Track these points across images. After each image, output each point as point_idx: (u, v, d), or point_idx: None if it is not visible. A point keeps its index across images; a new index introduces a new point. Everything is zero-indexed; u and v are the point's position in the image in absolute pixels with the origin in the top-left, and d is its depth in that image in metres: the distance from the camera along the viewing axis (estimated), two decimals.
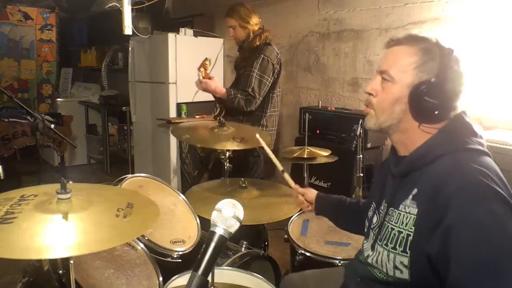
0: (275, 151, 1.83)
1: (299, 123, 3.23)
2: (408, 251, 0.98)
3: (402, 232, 1.01)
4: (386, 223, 1.08)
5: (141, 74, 4.29)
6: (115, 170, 5.08)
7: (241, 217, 0.90)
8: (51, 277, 1.21)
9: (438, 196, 0.93)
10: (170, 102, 3.95)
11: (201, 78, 2.44)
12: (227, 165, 2.17)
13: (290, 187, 1.65)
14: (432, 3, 2.73)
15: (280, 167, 1.65)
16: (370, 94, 1.11)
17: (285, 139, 3.78)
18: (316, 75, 3.55)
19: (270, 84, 2.57)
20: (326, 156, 2.36)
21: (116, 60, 5.69)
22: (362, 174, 2.10)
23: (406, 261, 0.99)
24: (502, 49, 2.42)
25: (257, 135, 1.76)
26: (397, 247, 1.01)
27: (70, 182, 1.08)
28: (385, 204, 1.12)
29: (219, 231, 0.87)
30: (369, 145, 2.80)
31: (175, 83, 3.94)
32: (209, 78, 2.46)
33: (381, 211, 1.14)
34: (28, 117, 3.69)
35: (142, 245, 1.52)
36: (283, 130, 3.75)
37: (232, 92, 2.51)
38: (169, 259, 1.56)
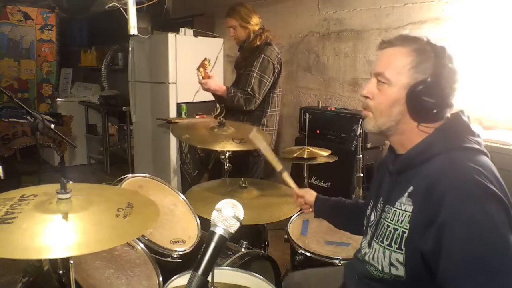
0: (275, 151, 1.83)
1: (299, 123, 3.23)
2: (404, 248, 0.99)
3: (397, 229, 1.01)
4: (382, 220, 1.09)
5: (141, 74, 4.29)
6: (115, 170, 5.08)
7: (241, 217, 0.91)
8: (51, 277, 1.21)
9: (432, 193, 0.94)
10: (170, 102, 3.95)
11: (200, 78, 2.44)
12: (227, 165, 2.17)
13: (290, 187, 1.65)
14: (432, 3, 2.73)
15: (278, 167, 1.64)
16: (366, 97, 1.11)
17: (285, 139, 3.78)
18: (316, 75, 3.56)
19: (270, 84, 2.57)
20: (326, 156, 2.36)
21: (116, 60, 5.69)
22: (362, 174, 2.10)
23: (401, 258, 1.00)
24: (502, 49, 2.42)
25: (250, 136, 1.74)
26: (392, 244, 1.02)
27: (70, 182, 1.08)
28: (382, 202, 1.13)
29: (219, 231, 0.88)
30: (369, 145, 2.80)
31: (175, 83, 3.94)
32: (209, 78, 2.47)
33: (378, 208, 1.15)
34: (28, 117, 3.69)
35: (142, 245, 1.52)
36: (283, 130, 3.74)
37: (232, 91, 2.51)
38: (169, 259, 1.56)
